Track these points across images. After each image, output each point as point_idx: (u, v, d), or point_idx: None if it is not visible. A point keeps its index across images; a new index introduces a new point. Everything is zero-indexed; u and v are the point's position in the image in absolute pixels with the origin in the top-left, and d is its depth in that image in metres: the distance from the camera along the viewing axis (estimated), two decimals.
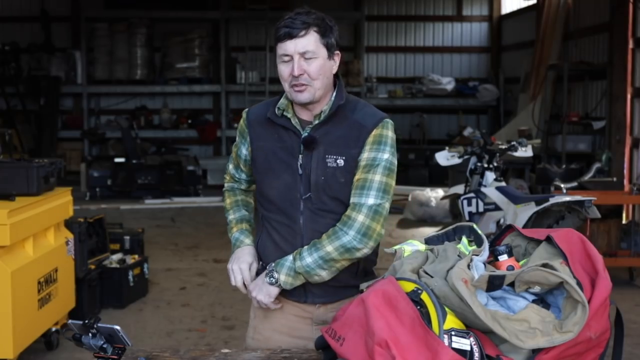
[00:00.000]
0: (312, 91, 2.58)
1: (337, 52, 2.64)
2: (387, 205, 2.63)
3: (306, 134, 2.63)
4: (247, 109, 2.81)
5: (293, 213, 2.65)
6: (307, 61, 2.56)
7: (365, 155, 2.60)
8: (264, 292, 2.65)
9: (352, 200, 2.61)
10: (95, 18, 14.85)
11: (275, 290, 2.65)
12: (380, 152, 2.61)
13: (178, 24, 15.07)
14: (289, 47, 2.55)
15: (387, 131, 2.63)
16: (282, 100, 2.67)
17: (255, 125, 2.72)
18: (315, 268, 2.58)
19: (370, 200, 2.58)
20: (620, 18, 9.40)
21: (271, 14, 14.23)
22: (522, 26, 13.99)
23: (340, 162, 2.60)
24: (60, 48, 14.80)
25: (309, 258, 2.58)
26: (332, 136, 2.62)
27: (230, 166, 2.92)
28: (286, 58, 2.57)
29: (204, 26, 15.11)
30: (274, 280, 2.63)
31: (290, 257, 2.61)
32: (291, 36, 2.54)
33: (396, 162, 2.66)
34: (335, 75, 2.68)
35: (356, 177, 2.61)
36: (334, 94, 2.66)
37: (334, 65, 2.64)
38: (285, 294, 2.71)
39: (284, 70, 2.59)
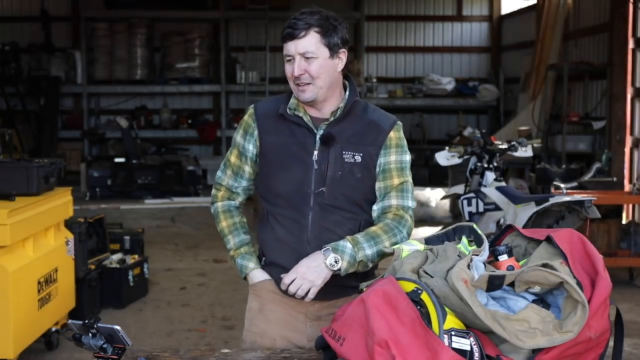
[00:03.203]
0: (315, 90, 2.62)
1: (343, 50, 2.66)
2: None
3: (321, 131, 2.66)
4: (254, 104, 2.81)
5: (302, 208, 2.65)
6: (307, 61, 2.60)
7: (394, 158, 2.70)
8: (322, 277, 2.54)
9: (395, 201, 2.69)
10: (95, 18, 14.83)
11: (330, 275, 2.56)
12: (403, 155, 2.72)
13: (178, 24, 15.08)
14: (290, 47, 2.61)
15: (402, 134, 2.75)
16: (292, 100, 2.70)
17: (265, 120, 2.72)
18: (369, 261, 2.61)
19: (411, 203, 2.73)
20: (620, 18, 9.39)
21: (271, 14, 14.21)
22: (522, 26, 13.97)
23: (358, 158, 2.66)
24: (60, 48, 14.79)
25: (369, 250, 2.59)
26: (347, 133, 2.67)
27: (226, 178, 2.83)
28: (289, 58, 2.63)
29: (204, 26, 15.08)
30: (337, 267, 2.54)
31: (348, 245, 2.56)
32: (292, 37, 2.59)
33: None
34: (346, 76, 2.73)
35: (394, 180, 2.68)
36: (348, 92, 2.71)
37: (339, 63, 2.66)
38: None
39: (287, 70, 2.65)
